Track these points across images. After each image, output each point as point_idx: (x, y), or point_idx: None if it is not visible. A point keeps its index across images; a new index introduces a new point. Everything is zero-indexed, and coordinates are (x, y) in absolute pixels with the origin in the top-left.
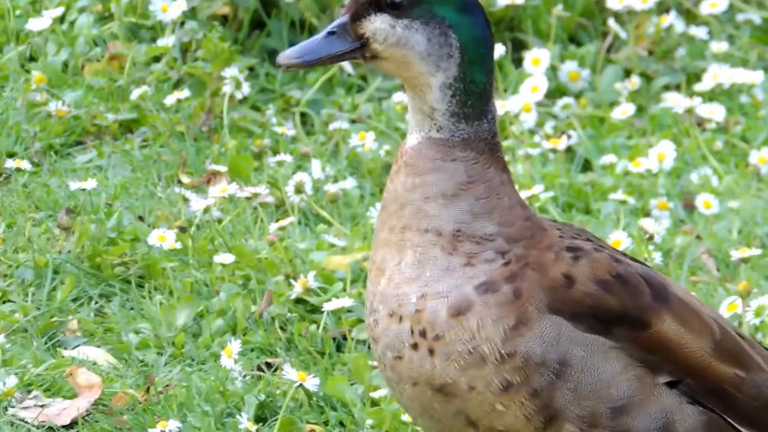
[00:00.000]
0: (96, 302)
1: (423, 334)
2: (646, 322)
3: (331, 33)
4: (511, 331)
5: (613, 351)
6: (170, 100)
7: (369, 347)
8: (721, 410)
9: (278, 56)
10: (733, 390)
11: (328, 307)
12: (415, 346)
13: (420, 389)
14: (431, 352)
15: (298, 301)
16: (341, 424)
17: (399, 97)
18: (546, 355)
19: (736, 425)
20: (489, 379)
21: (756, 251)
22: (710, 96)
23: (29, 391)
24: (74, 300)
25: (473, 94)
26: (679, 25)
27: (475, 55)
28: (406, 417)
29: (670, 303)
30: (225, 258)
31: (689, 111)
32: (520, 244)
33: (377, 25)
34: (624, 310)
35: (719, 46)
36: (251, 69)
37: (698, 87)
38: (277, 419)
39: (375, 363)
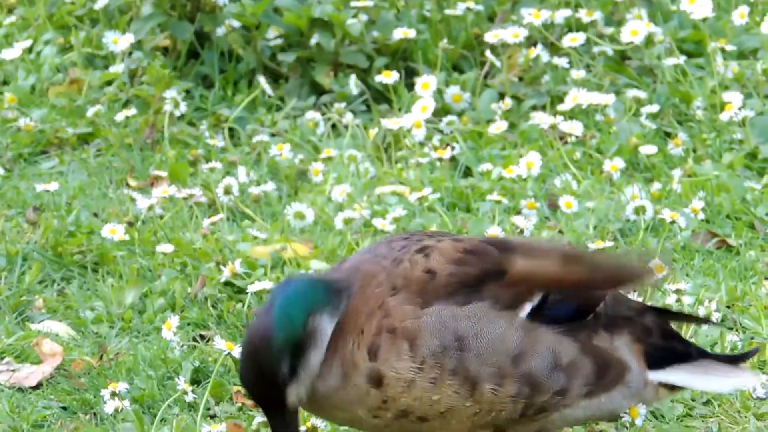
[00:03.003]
0: (58, 284)
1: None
2: (503, 270)
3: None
4: (410, 351)
5: (493, 312)
6: (120, 117)
7: None
8: (586, 306)
9: None
10: (587, 286)
11: (251, 288)
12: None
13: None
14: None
15: (227, 283)
16: None
17: (311, 114)
18: (443, 340)
19: (600, 332)
20: (421, 386)
21: (609, 243)
22: (570, 115)
23: (2, 358)
24: (40, 282)
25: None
26: (545, 56)
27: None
28: None
29: (515, 248)
30: (166, 248)
31: (553, 127)
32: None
33: (295, 392)
34: (483, 271)
35: (578, 74)
36: (188, 91)
37: (561, 107)
38: (209, 382)
39: None
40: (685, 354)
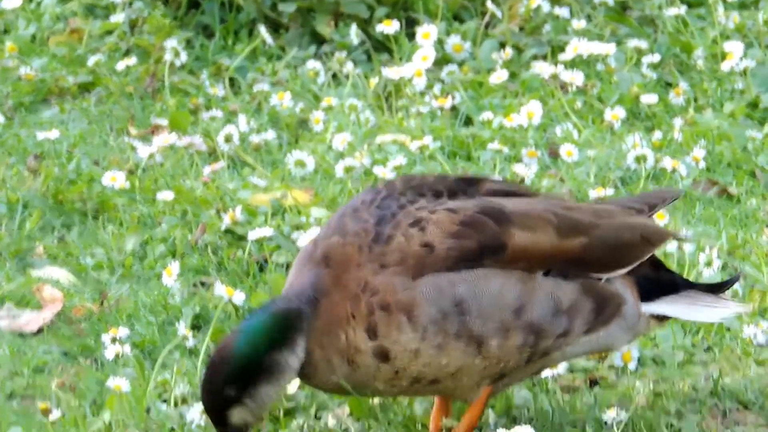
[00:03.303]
0: (59, 231)
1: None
2: (502, 244)
3: None
4: (410, 323)
5: (491, 272)
6: (121, 66)
7: (286, 269)
8: (584, 271)
9: None
10: (584, 254)
11: (252, 236)
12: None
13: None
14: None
15: (227, 231)
16: None
17: (312, 64)
18: (441, 307)
19: (599, 276)
20: (428, 353)
21: (610, 191)
22: (571, 64)
23: (3, 304)
24: (41, 229)
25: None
26: (546, 6)
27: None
28: None
29: (511, 220)
30: (166, 195)
31: (554, 76)
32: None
33: (238, 416)
34: (481, 245)
35: (579, 24)
36: (188, 41)
37: (561, 57)
38: (209, 328)
39: None
40: (672, 284)
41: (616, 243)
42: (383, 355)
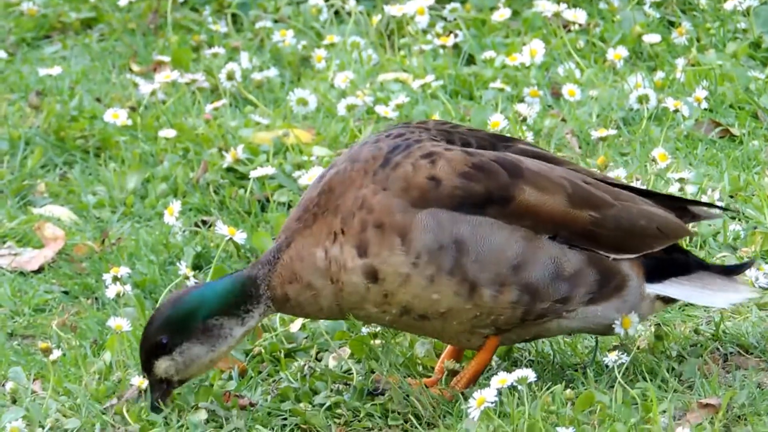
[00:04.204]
0: (60, 169)
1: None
2: (510, 196)
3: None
4: (403, 246)
5: (496, 223)
6: (123, 1)
7: (288, 208)
8: (592, 247)
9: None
10: (594, 228)
11: (254, 174)
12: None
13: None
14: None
15: (229, 169)
16: None
17: (314, 1)
18: (438, 239)
19: (606, 255)
20: (418, 282)
21: (612, 131)
22: (574, 3)
23: (4, 242)
24: (42, 167)
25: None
26: None
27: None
28: None
29: (525, 176)
30: (168, 133)
31: (557, 15)
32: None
33: (163, 366)
34: (489, 192)
35: None
36: None
37: None
38: (211, 267)
39: None
40: (684, 265)
41: (630, 227)
42: (372, 275)
